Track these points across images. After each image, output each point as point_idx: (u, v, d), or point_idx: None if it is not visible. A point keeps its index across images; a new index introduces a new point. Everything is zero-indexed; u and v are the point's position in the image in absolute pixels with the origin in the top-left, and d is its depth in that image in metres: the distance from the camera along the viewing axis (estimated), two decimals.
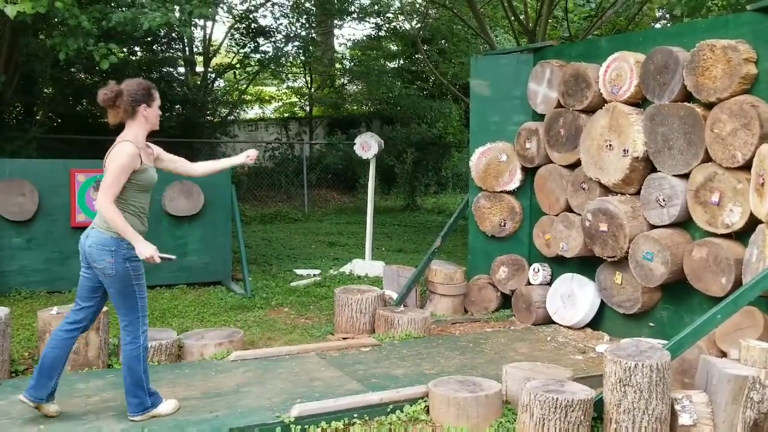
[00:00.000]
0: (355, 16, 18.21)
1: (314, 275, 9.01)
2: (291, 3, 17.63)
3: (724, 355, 4.72)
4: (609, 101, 6.01)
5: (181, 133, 14.98)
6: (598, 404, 3.99)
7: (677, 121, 5.37)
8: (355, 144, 9.33)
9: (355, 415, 4.17)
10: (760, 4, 5.05)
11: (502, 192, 7.12)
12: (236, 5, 16.30)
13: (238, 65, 18.32)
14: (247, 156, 4.57)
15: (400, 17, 18.07)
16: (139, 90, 3.98)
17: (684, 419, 3.87)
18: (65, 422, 3.97)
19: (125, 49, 14.42)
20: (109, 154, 3.93)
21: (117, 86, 3.96)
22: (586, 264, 6.35)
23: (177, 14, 8.18)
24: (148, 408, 4.05)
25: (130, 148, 3.91)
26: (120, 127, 4.05)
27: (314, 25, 18.71)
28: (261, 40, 17.64)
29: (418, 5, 16.60)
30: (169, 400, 4.19)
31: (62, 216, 7.69)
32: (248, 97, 21.45)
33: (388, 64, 20.26)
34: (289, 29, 17.98)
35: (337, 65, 21.12)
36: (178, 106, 16.29)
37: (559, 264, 6.69)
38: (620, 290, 5.98)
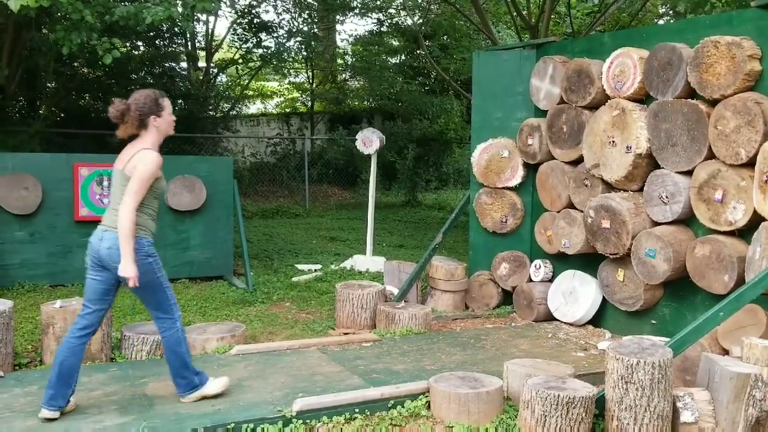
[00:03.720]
0: (357, 11, 18.18)
1: (315, 270, 9.01)
2: None
3: (726, 352, 4.72)
4: (612, 97, 6.00)
5: (183, 128, 14.96)
6: (600, 401, 4.00)
7: (681, 118, 5.36)
8: (356, 139, 9.32)
9: (356, 410, 4.17)
10: (764, 1, 5.03)
11: (503, 188, 7.12)
12: (238, 0, 16.31)
13: (240, 60, 18.31)
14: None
15: (402, 13, 18.04)
16: (146, 102, 4.00)
17: (686, 416, 3.87)
18: (68, 415, 3.97)
19: (128, 44, 14.41)
20: (130, 161, 3.94)
21: (123, 102, 3.98)
22: (588, 261, 6.35)
23: (179, 9, 8.17)
24: (196, 386, 4.19)
25: (155, 157, 3.96)
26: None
27: (316, 20, 18.69)
28: (263, 36, 17.62)
29: (420, 1, 16.57)
30: (220, 378, 4.32)
31: (65, 210, 7.69)
32: (250, 93, 21.43)
33: (390, 59, 20.22)
34: (291, 24, 17.97)
35: (339, 61, 21.10)
36: (180, 101, 16.28)
37: (561, 261, 6.69)
38: (622, 287, 5.98)
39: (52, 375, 3.94)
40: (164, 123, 4.09)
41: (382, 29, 19.49)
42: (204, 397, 4.21)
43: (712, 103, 5.20)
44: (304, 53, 18.66)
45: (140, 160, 3.92)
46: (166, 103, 4.11)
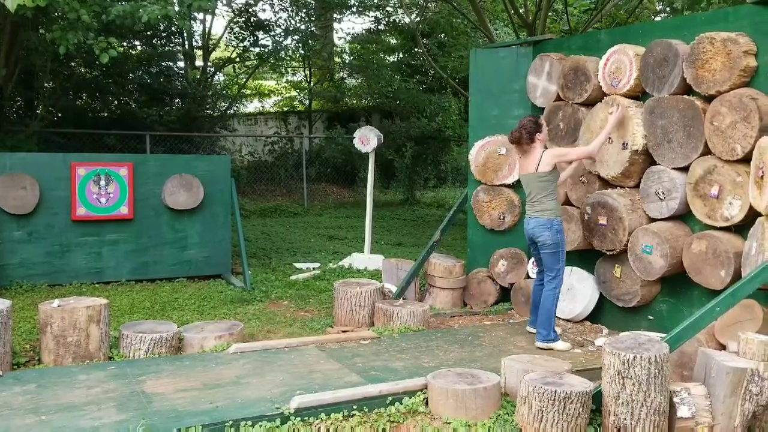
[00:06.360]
0: (354, 9, 18.17)
1: (313, 269, 9.02)
2: None
3: (723, 347, 4.73)
4: (608, 94, 6.01)
5: (180, 126, 14.99)
6: (597, 396, 4.01)
7: (677, 114, 5.37)
8: (354, 138, 9.32)
9: (354, 407, 4.18)
10: None
11: (501, 185, 7.13)
12: None
13: (237, 59, 18.30)
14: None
15: (400, 11, 18.04)
16: (532, 126, 5.60)
17: (683, 411, 3.88)
18: (67, 413, 3.98)
19: (125, 43, 14.41)
20: (540, 164, 5.53)
21: (518, 130, 5.61)
22: (586, 257, 6.36)
23: (176, 7, 8.17)
24: (551, 340, 5.51)
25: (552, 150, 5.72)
26: None
27: (313, 18, 18.68)
28: (260, 34, 17.62)
29: None
30: (565, 342, 5.59)
31: (63, 209, 7.70)
32: (247, 91, 21.43)
33: (388, 57, 20.22)
34: (289, 23, 17.97)
35: (337, 59, 21.10)
36: (177, 100, 16.29)
37: None
38: (619, 283, 6.00)
39: (533, 309, 5.90)
40: (544, 136, 5.67)
41: (379, 27, 19.48)
42: (551, 350, 5.43)
43: (708, 99, 5.21)
44: (302, 52, 18.67)
45: (549, 155, 5.57)
46: (543, 122, 5.75)
